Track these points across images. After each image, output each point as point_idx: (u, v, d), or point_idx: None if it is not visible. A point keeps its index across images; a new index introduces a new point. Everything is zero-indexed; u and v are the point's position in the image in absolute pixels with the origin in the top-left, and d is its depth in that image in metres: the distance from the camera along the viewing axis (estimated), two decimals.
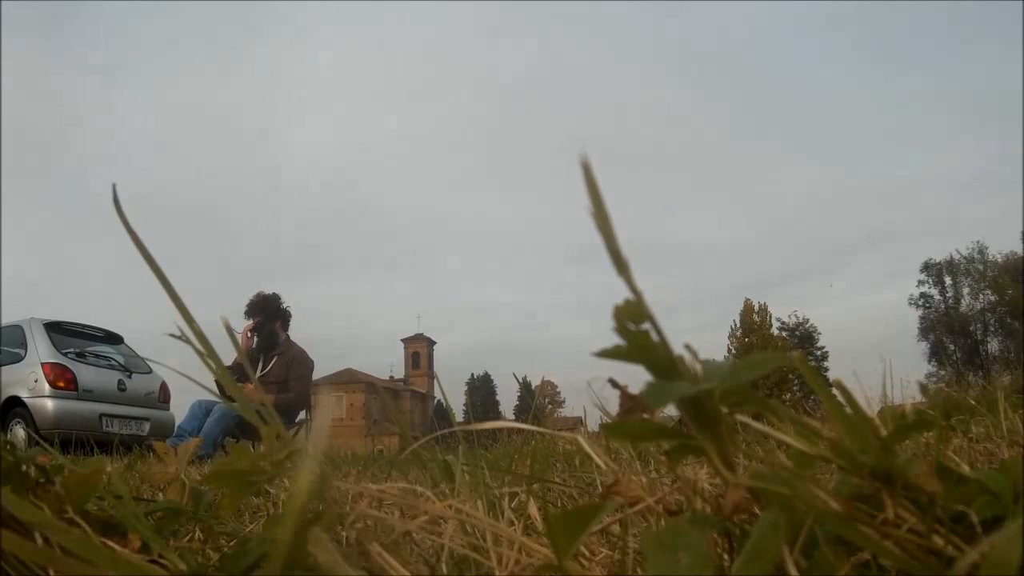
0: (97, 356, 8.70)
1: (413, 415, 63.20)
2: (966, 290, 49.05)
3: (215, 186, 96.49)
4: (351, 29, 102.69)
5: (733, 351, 44.50)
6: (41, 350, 8.11)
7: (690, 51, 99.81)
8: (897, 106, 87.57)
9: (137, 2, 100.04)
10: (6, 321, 8.67)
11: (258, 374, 6.00)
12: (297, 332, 6.48)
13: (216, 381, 0.67)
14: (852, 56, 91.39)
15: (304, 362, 6.27)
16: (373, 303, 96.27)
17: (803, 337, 47.90)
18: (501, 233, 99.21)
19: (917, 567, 0.43)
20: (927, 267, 50.08)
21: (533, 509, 0.71)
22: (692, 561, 0.41)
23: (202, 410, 5.93)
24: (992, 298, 46.82)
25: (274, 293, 6.39)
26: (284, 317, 6.38)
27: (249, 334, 6.23)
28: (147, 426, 8.56)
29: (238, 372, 5.45)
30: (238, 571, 0.57)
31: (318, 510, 0.57)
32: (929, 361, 47.57)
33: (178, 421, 9.32)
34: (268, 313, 6.25)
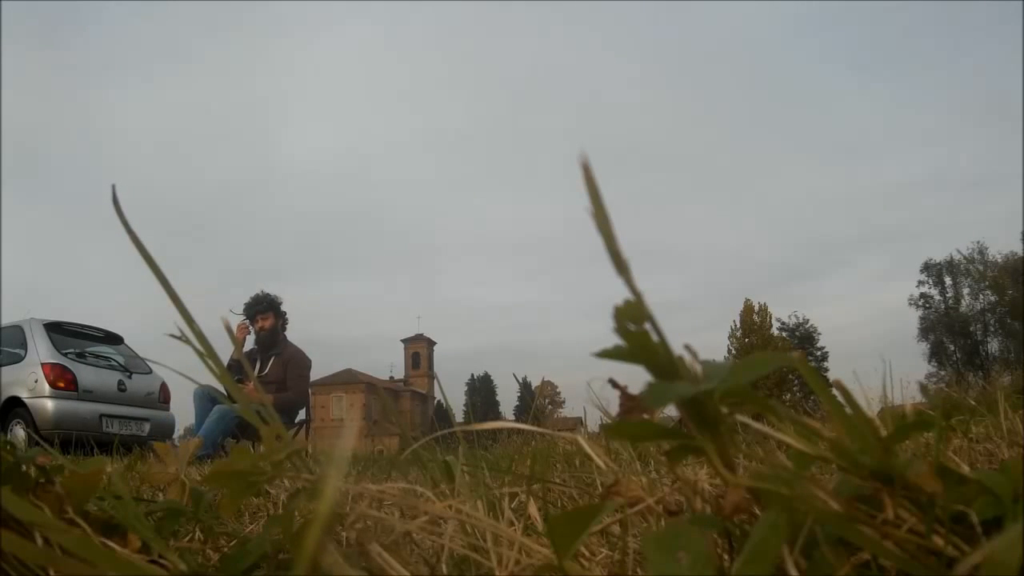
0: (97, 356, 8.70)
1: (413, 415, 63.18)
2: (966, 290, 49.09)
3: (215, 186, 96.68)
4: (352, 30, 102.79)
5: (733, 351, 44.52)
6: (41, 350, 8.10)
7: (690, 51, 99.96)
8: (897, 106, 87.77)
9: (138, 2, 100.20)
10: (6, 321, 8.67)
11: (256, 374, 6.03)
12: (298, 332, 6.53)
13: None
14: (852, 56, 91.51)
15: (302, 362, 6.30)
16: (373, 303, 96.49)
17: (803, 337, 47.91)
18: (501, 233, 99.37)
19: (917, 567, 0.43)
20: (927, 267, 50.13)
21: (533, 509, 0.71)
22: (692, 561, 0.41)
23: (205, 399, 5.94)
24: (992, 298, 46.82)
25: (278, 296, 6.43)
26: (285, 318, 6.42)
27: (250, 328, 6.24)
28: (147, 426, 8.56)
29: (236, 371, 5.44)
30: (238, 571, 0.57)
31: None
32: (929, 361, 47.63)
33: (179, 421, 9.34)
34: (274, 312, 6.28)
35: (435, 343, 73.54)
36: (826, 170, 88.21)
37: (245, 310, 6.29)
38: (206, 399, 5.98)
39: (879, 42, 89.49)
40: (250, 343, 6.37)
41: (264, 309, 6.24)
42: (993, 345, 48.13)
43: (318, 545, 0.36)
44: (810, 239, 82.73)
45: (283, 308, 6.42)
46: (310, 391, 7.29)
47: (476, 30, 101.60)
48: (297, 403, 6.28)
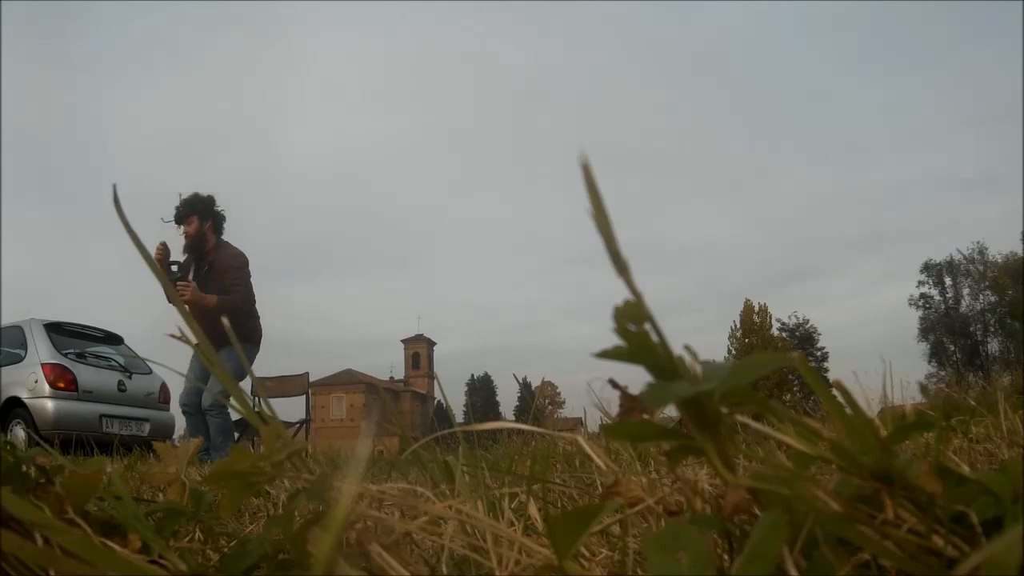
0: (97, 357, 8.70)
1: (413, 416, 63.17)
2: (966, 291, 49.12)
3: (215, 185, 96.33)
4: (351, 29, 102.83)
5: (733, 352, 44.54)
6: (41, 351, 8.11)
7: (690, 51, 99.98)
8: (897, 106, 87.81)
9: (139, 2, 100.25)
10: (6, 321, 8.68)
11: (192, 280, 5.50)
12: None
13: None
14: (852, 56, 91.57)
15: (237, 260, 5.73)
16: (373, 303, 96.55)
17: (803, 338, 47.94)
18: (501, 233, 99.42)
19: (917, 567, 0.43)
20: (927, 267, 50.17)
21: (533, 510, 0.71)
22: (692, 561, 0.41)
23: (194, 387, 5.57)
24: (992, 299, 46.84)
25: (209, 195, 5.82)
26: (216, 219, 5.80)
27: (167, 249, 5.55)
28: (147, 427, 8.55)
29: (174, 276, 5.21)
30: (238, 571, 0.57)
31: (318, 510, 0.57)
32: (929, 362, 47.68)
33: (179, 421, 9.30)
34: (199, 215, 5.69)
35: (435, 343, 73.60)
36: (826, 170, 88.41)
37: (174, 218, 5.71)
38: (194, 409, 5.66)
39: (879, 42, 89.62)
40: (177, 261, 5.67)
41: (186, 213, 5.66)
42: (993, 345, 48.18)
43: (333, 548, 0.36)
44: (810, 239, 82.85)
45: (217, 209, 5.78)
46: (310, 392, 7.19)
47: (476, 30, 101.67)
48: (242, 306, 5.66)
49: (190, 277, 5.58)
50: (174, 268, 5.48)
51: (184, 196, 5.78)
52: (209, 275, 5.63)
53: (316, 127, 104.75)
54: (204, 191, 5.90)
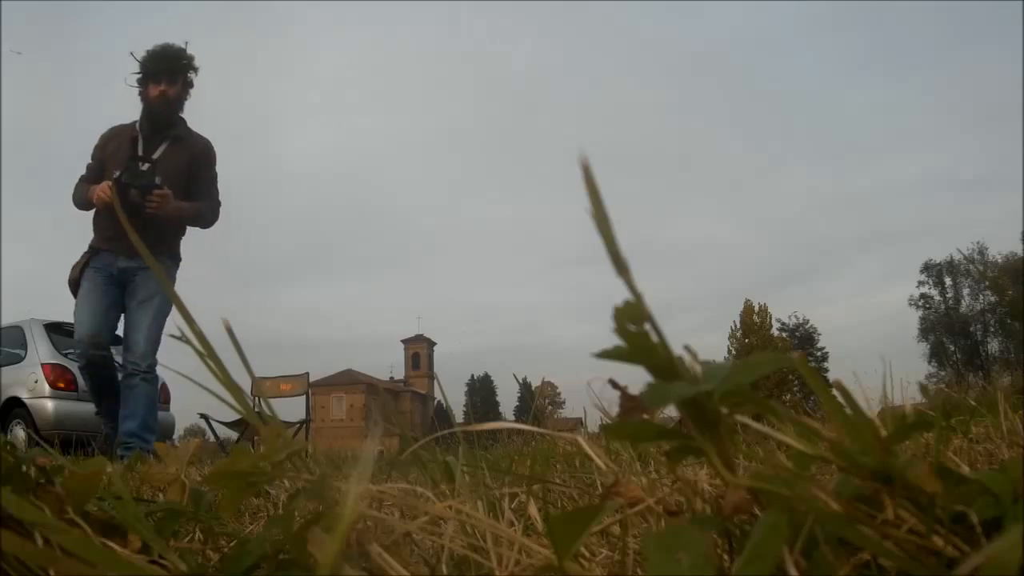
0: None
1: (413, 416, 63.18)
2: (966, 291, 49.15)
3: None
4: (351, 29, 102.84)
5: (733, 352, 44.55)
6: (41, 351, 8.11)
7: (690, 51, 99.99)
8: (897, 106, 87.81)
9: (139, 2, 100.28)
10: (6, 321, 8.68)
11: (143, 157, 3.86)
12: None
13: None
14: (852, 56, 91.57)
15: (214, 156, 4.15)
16: (373, 303, 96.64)
17: (803, 338, 47.97)
18: (501, 233, 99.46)
19: (917, 567, 0.43)
20: (927, 268, 50.20)
21: (533, 510, 0.71)
22: (692, 562, 0.40)
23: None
24: (992, 299, 46.81)
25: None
26: (191, 87, 4.11)
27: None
28: None
29: (123, 190, 3.65)
30: (238, 571, 0.57)
31: (318, 510, 0.57)
32: (929, 362, 47.72)
33: (179, 421, 9.27)
34: (185, 77, 4.04)
35: (435, 343, 73.60)
36: (826, 170, 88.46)
37: (144, 64, 3.97)
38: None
39: (879, 42, 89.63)
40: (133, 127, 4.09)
41: (175, 69, 3.95)
42: (993, 345, 48.22)
43: (341, 548, 0.36)
44: (810, 239, 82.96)
45: (191, 78, 4.07)
46: (310, 392, 7.12)
47: (476, 30, 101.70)
48: (214, 213, 4.07)
49: (140, 152, 3.95)
50: (145, 167, 3.79)
51: (170, 45, 4.01)
52: (171, 155, 3.94)
53: (316, 127, 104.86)
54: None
